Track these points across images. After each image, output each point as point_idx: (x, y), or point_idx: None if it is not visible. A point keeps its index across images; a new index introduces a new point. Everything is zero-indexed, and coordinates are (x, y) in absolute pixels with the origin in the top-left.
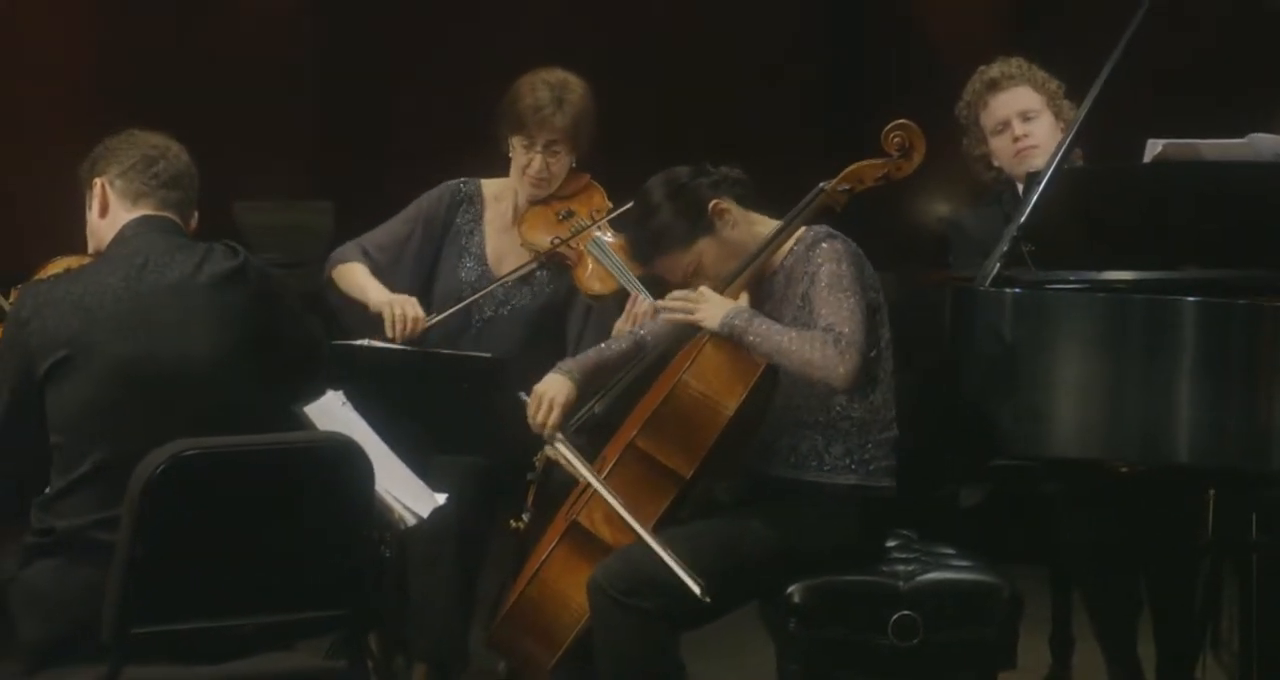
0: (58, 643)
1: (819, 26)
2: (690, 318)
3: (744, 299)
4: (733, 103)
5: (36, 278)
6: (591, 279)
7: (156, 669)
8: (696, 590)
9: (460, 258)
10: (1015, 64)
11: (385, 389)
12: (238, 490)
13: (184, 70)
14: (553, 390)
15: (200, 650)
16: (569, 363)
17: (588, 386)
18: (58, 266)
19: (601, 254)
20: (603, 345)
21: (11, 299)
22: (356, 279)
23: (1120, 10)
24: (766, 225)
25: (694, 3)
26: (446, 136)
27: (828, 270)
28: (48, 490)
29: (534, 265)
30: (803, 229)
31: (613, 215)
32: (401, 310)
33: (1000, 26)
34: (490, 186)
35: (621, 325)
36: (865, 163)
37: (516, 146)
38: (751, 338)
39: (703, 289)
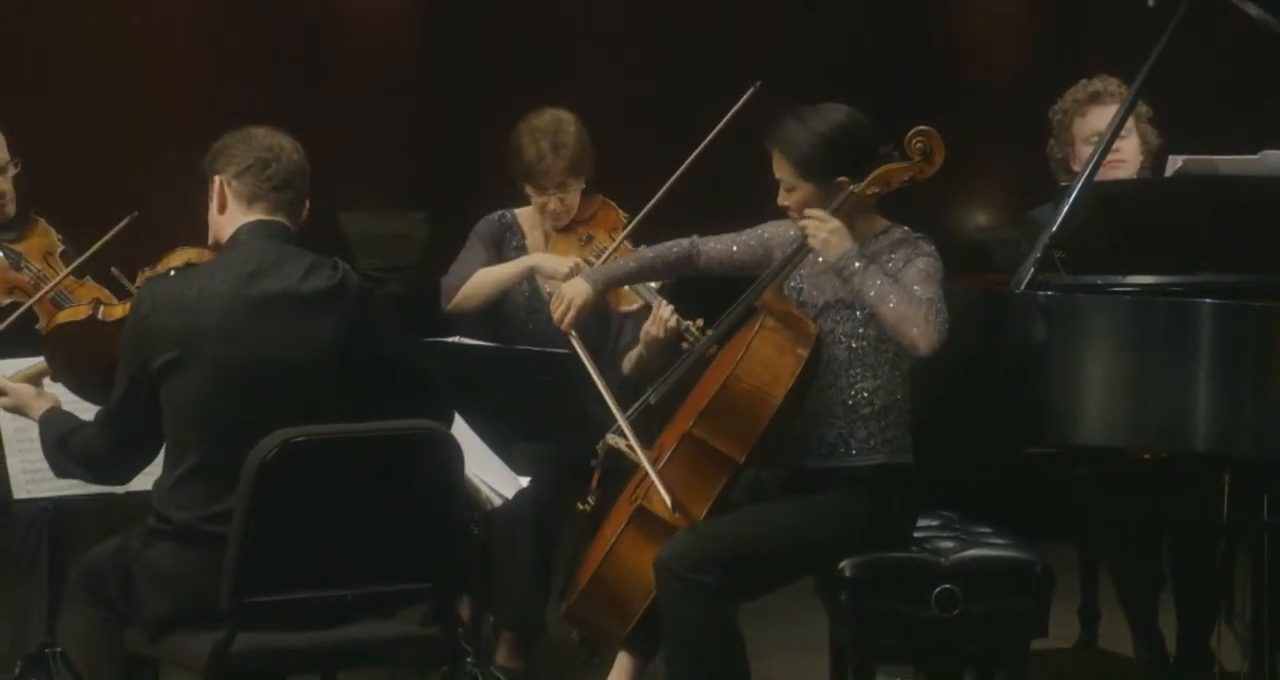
0: (178, 616)
1: (865, 52)
2: (813, 241)
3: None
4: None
5: (158, 269)
6: (618, 298)
7: (267, 635)
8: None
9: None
10: (1115, 83)
11: (474, 382)
12: (341, 473)
13: (294, 90)
14: (572, 292)
15: (306, 618)
16: (594, 270)
17: (606, 292)
18: (178, 258)
19: None
20: (623, 260)
21: (137, 283)
22: (497, 270)
23: (1145, 37)
24: (869, 220)
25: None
26: None
27: (928, 263)
28: (163, 478)
29: None
30: (889, 223)
31: (628, 229)
32: (569, 302)
33: (1034, 57)
34: (524, 216)
35: (649, 328)
36: (891, 166)
37: (530, 191)
38: (857, 279)
39: (829, 217)
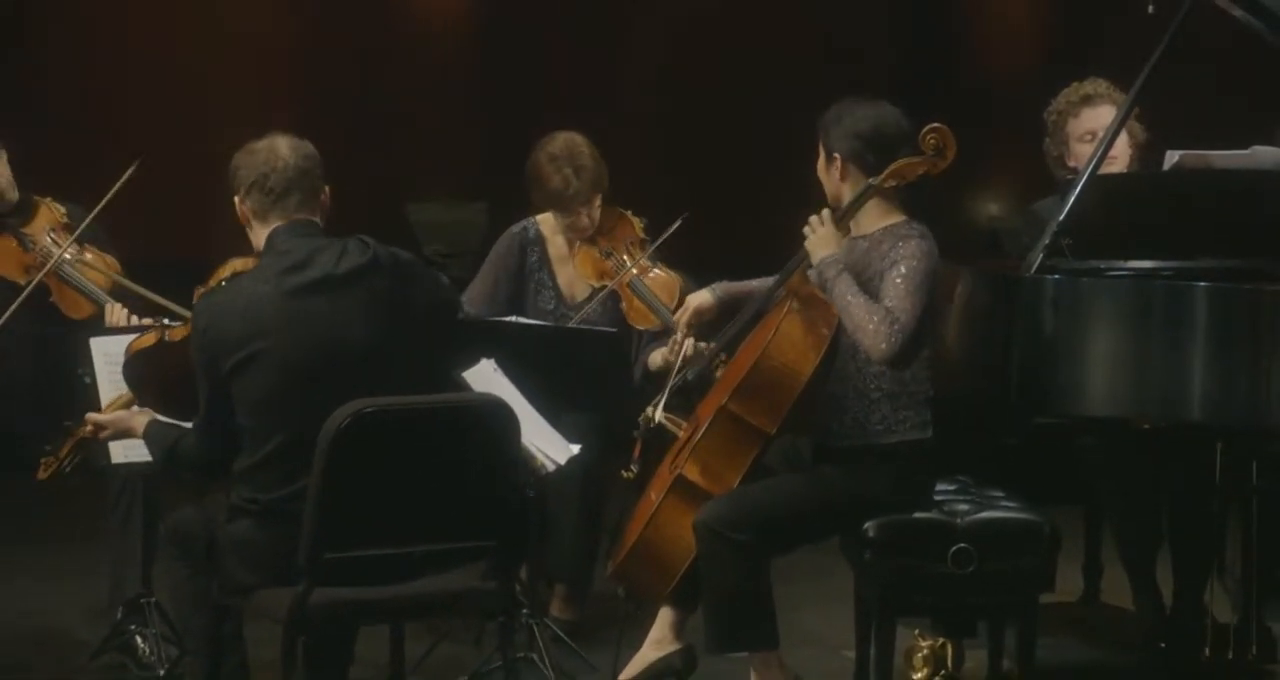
0: (258, 584)
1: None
2: (806, 241)
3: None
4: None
5: (208, 285)
6: (637, 316)
7: (341, 590)
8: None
9: (539, 292)
10: (1105, 85)
11: (528, 357)
12: (409, 441)
13: (361, 89)
14: (696, 298)
15: (377, 573)
16: (719, 284)
17: (727, 302)
18: (228, 269)
19: (639, 292)
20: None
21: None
22: None
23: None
24: (884, 212)
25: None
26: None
27: (910, 265)
28: (241, 463)
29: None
30: (903, 218)
31: (647, 252)
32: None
33: (1043, 58)
34: (546, 223)
35: (664, 354)
36: (905, 161)
37: (557, 214)
38: (830, 285)
39: (828, 222)
